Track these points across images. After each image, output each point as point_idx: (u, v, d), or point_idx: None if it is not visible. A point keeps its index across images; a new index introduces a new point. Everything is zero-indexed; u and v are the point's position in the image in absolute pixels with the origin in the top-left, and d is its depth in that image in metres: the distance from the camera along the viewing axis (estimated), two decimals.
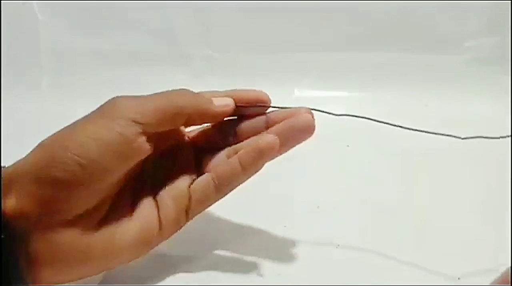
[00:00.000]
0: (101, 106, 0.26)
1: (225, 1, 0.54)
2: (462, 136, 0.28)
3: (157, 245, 0.29)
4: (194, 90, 0.29)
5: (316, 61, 0.55)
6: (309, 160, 0.41)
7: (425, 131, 0.28)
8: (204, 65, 0.56)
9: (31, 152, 0.26)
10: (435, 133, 0.28)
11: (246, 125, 0.30)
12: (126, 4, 0.54)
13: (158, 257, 0.30)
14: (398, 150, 0.43)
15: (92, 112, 0.26)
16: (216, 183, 0.28)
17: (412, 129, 0.28)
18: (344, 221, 0.36)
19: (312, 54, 0.55)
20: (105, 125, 0.25)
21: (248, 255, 0.32)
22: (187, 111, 0.28)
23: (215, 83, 0.54)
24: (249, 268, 0.31)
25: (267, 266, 0.31)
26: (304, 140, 0.29)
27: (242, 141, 0.30)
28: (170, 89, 0.28)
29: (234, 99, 0.30)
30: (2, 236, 0.23)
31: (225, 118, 0.30)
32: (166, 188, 0.29)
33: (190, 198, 0.28)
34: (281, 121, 0.29)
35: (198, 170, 0.30)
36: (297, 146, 0.29)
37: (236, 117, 0.31)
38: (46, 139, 0.26)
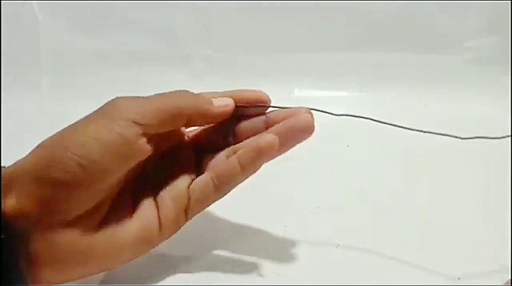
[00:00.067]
0: (102, 107, 0.26)
1: (225, 1, 0.54)
2: (462, 137, 0.28)
3: (157, 245, 0.29)
4: (194, 90, 0.29)
5: (316, 61, 0.55)
6: (309, 160, 0.41)
7: (425, 132, 0.28)
8: (204, 65, 0.56)
9: (31, 151, 0.25)
10: (435, 134, 0.28)
11: (245, 125, 0.30)
12: (126, 4, 0.54)
13: (158, 257, 0.30)
14: (398, 150, 0.43)
15: (93, 113, 0.26)
16: (215, 182, 0.28)
17: (413, 130, 0.28)
18: (344, 221, 0.36)
19: (312, 54, 0.55)
20: (105, 126, 0.25)
21: (248, 255, 0.32)
22: (187, 112, 0.28)
23: (215, 83, 0.55)
24: (248, 268, 0.31)
25: (267, 266, 0.31)
26: (303, 140, 0.29)
27: (242, 141, 0.30)
28: (170, 89, 0.28)
29: (234, 99, 0.30)
30: (2, 236, 0.23)
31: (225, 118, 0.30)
32: (166, 188, 0.29)
33: (189, 198, 0.28)
34: (281, 121, 0.29)
35: (198, 170, 0.30)
36: (297, 146, 0.29)
37: (236, 117, 0.31)
38: (46, 139, 0.26)
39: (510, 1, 0.51)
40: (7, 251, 0.23)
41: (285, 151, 0.29)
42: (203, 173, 0.29)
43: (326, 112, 0.29)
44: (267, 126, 0.30)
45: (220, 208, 0.31)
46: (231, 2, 0.54)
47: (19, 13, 0.55)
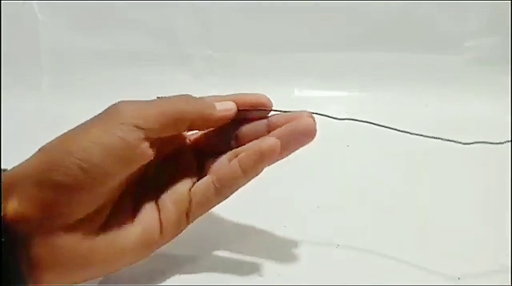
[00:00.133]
0: (104, 111, 0.26)
1: (225, 1, 0.54)
2: (463, 142, 0.28)
3: (158, 248, 0.29)
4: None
5: (316, 61, 0.55)
6: (309, 160, 0.41)
7: (428, 137, 0.28)
8: (204, 65, 0.56)
9: (33, 155, 0.25)
10: (436, 138, 0.28)
11: (247, 129, 0.30)
12: (126, 4, 0.54)
13: (160, 257, 0.30)
14: (398, 150, 0.43)
15: (95, 116, 0.26)
16: (217, 186, 0.28)
17: (415, 134, 0.28)
18: (344, 221, 0.36)
19: (312, 54, 0.55)
20: (107, 130, 0.25)
21: (249, 255, 0.32)
22: (189, 116, 0.28)
23: (215, 83, 0.55)
24: (249, 268, 0.31)
25: (268, 266, 0.32)
26: (305, 144, 0.29)
27: (244, 144, 0.30)
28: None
29: (236, 103, 0.30)
30: (3, 239, 0.23)
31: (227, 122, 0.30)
32: (167, 191, 0.29)
33: (190, 201, 0.28)
34: (283, 125, 0.29)
35: (200, 173, 0.30)
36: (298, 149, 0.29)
37: (238, 120, 0.31)
38: (47, 143, 0.26)
39: (510, 1, 0.51)
40: (8, 255, 0.23)
41: (287, 154, 0.29)
42: (205, 176, 0.29)
43: (328, 116, 0.29)
44: (269, 130, 0.30)
45: (221, 209, 0.31)
46: (231, 2, 0.54)
47: (19, 13, 0.55)
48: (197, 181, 0.29)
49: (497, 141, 0.28)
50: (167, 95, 0.28)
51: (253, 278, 0.31)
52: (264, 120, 0.30)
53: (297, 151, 0.29)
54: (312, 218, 0.36)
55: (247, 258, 0.32)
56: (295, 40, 0.55)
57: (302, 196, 0.39)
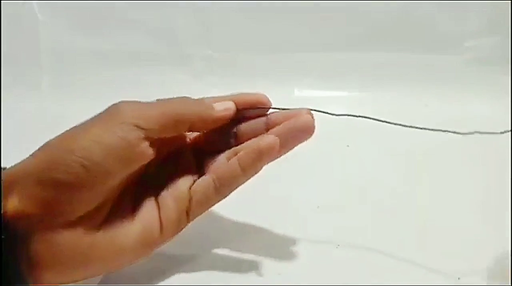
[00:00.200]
0: (105, 110, 0.27)
1: (225, 1, 0.54)
2: (462, 132, 0.28)
3: (158, 247, 0.29)
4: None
5: (316, 61, 0.55)
6: (309, 159, 0.41)
7: (425, 129, 0.28)
8: (204, 65, 0.56)
9: (33, 153, 0.26)
10: (435, 130, 0.28)
11: (246, 127, 0.31)
12: (126, 4, 0.54)
13: (160, 256, 0.30)
14: (398, 149, 0.43)
15: (95, 116, 0.26)
16: (216, 184, 0.28)
17: (412, 127, 0.28)
18: (344, 221, 0.36)
19: (312, 54, 0.55)
20: (108, 130, 0.25)
21: (249, 254, 0.32)
22: (189, 118, 0.28)
23: (215, 83, 0.55)
24: (249, 267, 0.31)
25: (268, 266, 0.32)
26: (304, 141, 0.29)
27: (243, 143, 0.30)
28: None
29: (235, 102, 0.30)
30: (3, 237, 0.23)
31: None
32: (167, 189, 0.29)
33: (190, 199, 0.29)
34: (281, 122, 0.29)
35: (199, 172, 0.30)
36: (297, 146, 0.29)
37: (237, 119, 0.31)
38: (48, 141, 0.26)
39: (510, 1, 0.51)
40: (8, 252, 0.23)
41: (286, 152, 0.30)
42: (204, 174, 0.29)
43: (326, 112, 0.29)
44: (267, 128, 0.30)
45: (221, 208, 0.31)
46: (231, 2, 0.54)
47: (19, 13, 0.54)
48: (197, 179, 0.29)
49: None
50: (167, 95, 0.28)
51: (253, 277, 0.31)
52: (263, 119, 0.30)
53: (297, 150, 0.30)
54: (312, 218, 0.36)
55: (247, 257, 0.32)
56: (295, 40, 0.55)
57: (302, 195, 0.39)
